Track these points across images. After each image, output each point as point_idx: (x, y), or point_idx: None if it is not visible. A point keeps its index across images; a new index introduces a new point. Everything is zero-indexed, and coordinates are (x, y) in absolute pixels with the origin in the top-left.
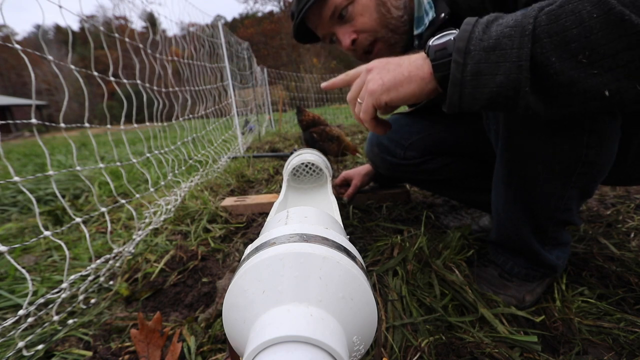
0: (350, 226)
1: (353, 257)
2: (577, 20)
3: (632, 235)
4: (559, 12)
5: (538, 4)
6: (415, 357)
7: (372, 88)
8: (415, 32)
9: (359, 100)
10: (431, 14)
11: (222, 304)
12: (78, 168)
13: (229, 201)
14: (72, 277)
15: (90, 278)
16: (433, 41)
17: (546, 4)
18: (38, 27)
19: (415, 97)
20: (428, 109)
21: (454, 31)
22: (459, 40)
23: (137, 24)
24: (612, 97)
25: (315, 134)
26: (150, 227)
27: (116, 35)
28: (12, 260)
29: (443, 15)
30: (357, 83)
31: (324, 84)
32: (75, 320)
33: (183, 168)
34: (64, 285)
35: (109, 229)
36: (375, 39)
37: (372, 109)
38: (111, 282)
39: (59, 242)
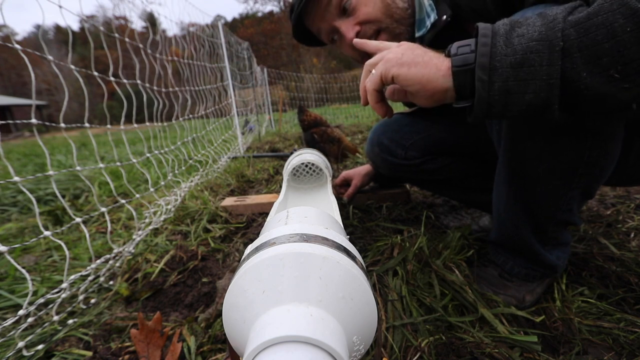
0: (350, 226)
1: (353, 257)
2: (609, 33)
3: (632, 235)
4: (589, 25)
5: (558, 11)
6: (415, 357)
7: (388, 57)
8: (417, 34)
9: (373, 70)
10: (433, 16)
11: (222, 304)
12: (78, 168)
13: (229, 201)
14: (72, 277)
15: (90, 278)
16: (456, 42)
17: (567, 10)
18: (38, 27)
19: (422, 83)
20: (428, 109)
21: (469, 41)
22: (481, 55)
23: (137, 24)
24: (638, 109)
25: (316, 135)
26: (150, 227)
27: (116, 35)
28: (12, 260)
29: (445, 17)
30: (382, 53)
31: (356, 40)
32: (75, 320)
33: (183, 168)
34: (64, 285)
35: (109, 229)
36: (379, 29)
37: (379, 77)
38: (111, 282)
39: (59, 242)
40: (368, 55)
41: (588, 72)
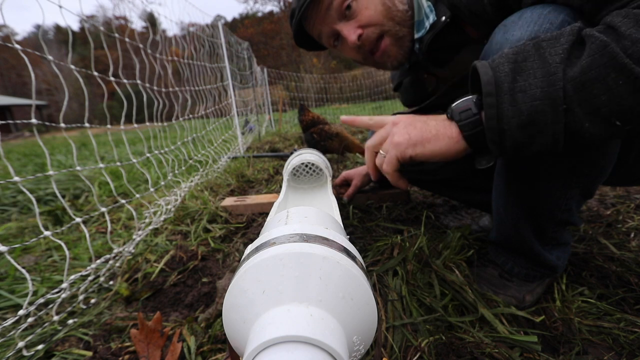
0: (350, 226)
1: (353, 257)
2: (604, 87)
3: (632, 235)
4: (584, 80)
5: (559, 63)
6: (415, 357)
7: (397, 140)
8: (416, 35)
9: (381, 151)
10: (432, 18)
11: (222, 304)
12: (78, 168)
13: (229, 201)
14: (72, 277)
15: (90, 278)
16: (454, 105)
17: (567, 63)
18: (38, 27)
19: (442, 154)
20: (429, 109)
21: (469, 97)
22: (489, 118)
23: (137, 24)
24: None
25: (315, 134)
26: (150, 227)
27: (116, 35)
28: (12, 260)
29: (444, 18)
30: (381, 134)
31: (344, 118)
32: (75, 320)
33: (183, 168)
34: (64, 285)
35: (109, 229)
36: (382, 32)
37: (396, 161)
38: (111, 282)
39: (59, 242)
40: (370, 57)
41: (590, 122)
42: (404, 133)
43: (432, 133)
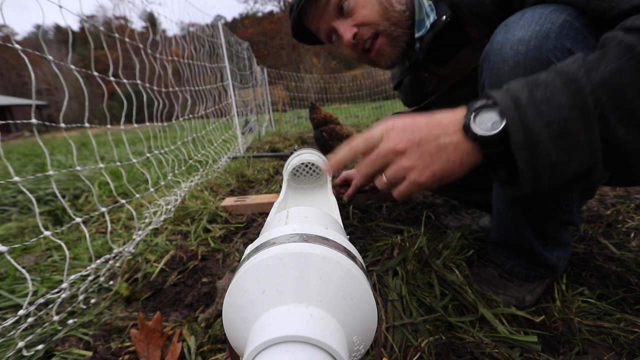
0: (350, 226)
1: (353, 257)
2: (637, 90)
3: (632, 235)
4: (616, 85)
5: (575, 68)
6: (415, 357)
7: (421, 181)
8: (417, 34)
9: (385, 180)
10: (432, 17)
11: (222, 304)
12: (78, 168)
13: (229, 201)
14: (72, 277)
15: (90, 278)
16: (477, 127)
17: (586, 68)
18: (38, 27)
19: (458, 172)
20: (429, 108)
21: (486, 106)
22: (515, 133)
23: (137, 24)
24: None
25: (324, 133)
26: (150, 227)
27: (116, 35)
28: (12, 260)
29: (445, 17)
30: (378, 162)
31: (327, 169)
32: (75, 320)
33: (183, 168)
34: (64, 285)
35: (109, 229)
36: (376, 32)
37: (414, 187)
38: (111, 282)
39: (59, 242)
40: (365, 55)
41: (625, 129)
42: (424, 170)
43: (457, 164)
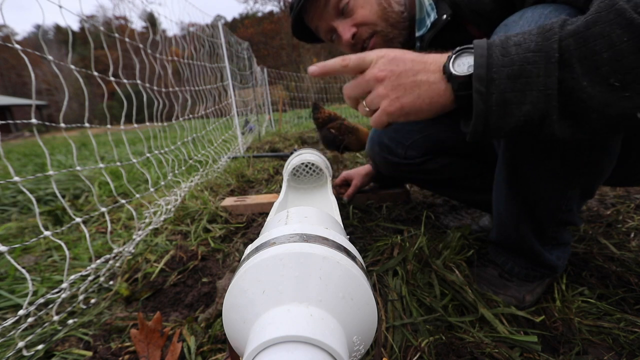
0: (350, 226)
1: (353, 257)
2: (607, 43)
3: (632, 235)
4: (587, 35)
5: (555, 20)
6: (415, 357)
7: (390, 110)
8: (417, 33)
9: (365, 105)
10: (433, 16)
11: (222, 304)
12: (78, 168)
13: (229, 201)
14: (72, 277)
15: (90, 278)
16: (454, 67)
17: (563, 21)
18: (38, 27)
19: (430, 117)
20: None
21: (468, 48)
22: (478, 67)
23: (137, 24)
24: None
25: (333, 130)
26: (150, 227)
27: (116, 35)
28: (12, 260)
29: (445, 16)
30: (361, 86)
31: (312, 68)
32: (75, 320)
33: (183, 168)
34: (64, 285)
35: (109, 229)
36: (373, 32)
37: (386, 123)
38: (111, 282)
39: (59, 242)
40: (363, 50)
41: (588, 81)
42: (395, 101)
43: (426, 102)
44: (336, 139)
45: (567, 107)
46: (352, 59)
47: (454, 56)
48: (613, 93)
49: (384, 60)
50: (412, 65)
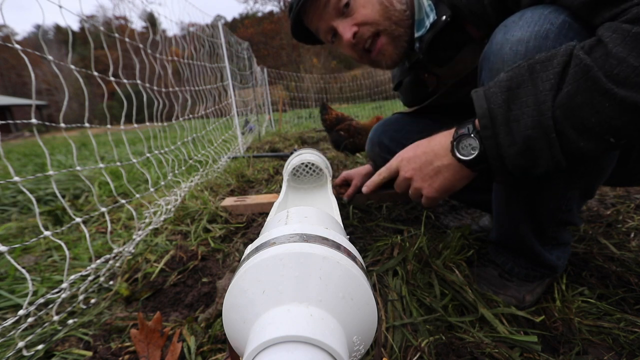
0: (350, 226)
1: (353, 257)
2: (592, 110)
3: (632, 235)
4: (572, 106)
5: (552, 82)
6: (415, 357)
7: (430, 195)
8: (417, 34)
9: (411, 197)
10: (432, 17)
11: (222, 304)
12: (78, 168)
13: (229, 201)
14: (72, 277)
15: (90, 278)
16: (460, 152)
17: (558, 84)
18: (38, 27)
19: (454, 184)
20: (430, 108)
21: (467, 132)
22: (489, 148)
23: (137, 24)
24: None
25: (342, 132)
26: (150, 227)
27: (116, 35)
28: (12, 260)
29: (444, 17)
30: (402, 186)
31: (365, 190)
32: (75, 320)
33: (183, 168)
34: (64, 285)
35: (109, 229)
36: (377, 31)
37: (436, 202)
38: (111, 282)
39: (59, 242)
40: (365, 55)
41: (585, 141)
42: (428, 188)
43: (452, 180)
44: (347, 140)
45: (573, 160)
46: (382, 172)
47: (455, 142)
48: (610, 145)
49: (404, 162)
50: (426, 157)
